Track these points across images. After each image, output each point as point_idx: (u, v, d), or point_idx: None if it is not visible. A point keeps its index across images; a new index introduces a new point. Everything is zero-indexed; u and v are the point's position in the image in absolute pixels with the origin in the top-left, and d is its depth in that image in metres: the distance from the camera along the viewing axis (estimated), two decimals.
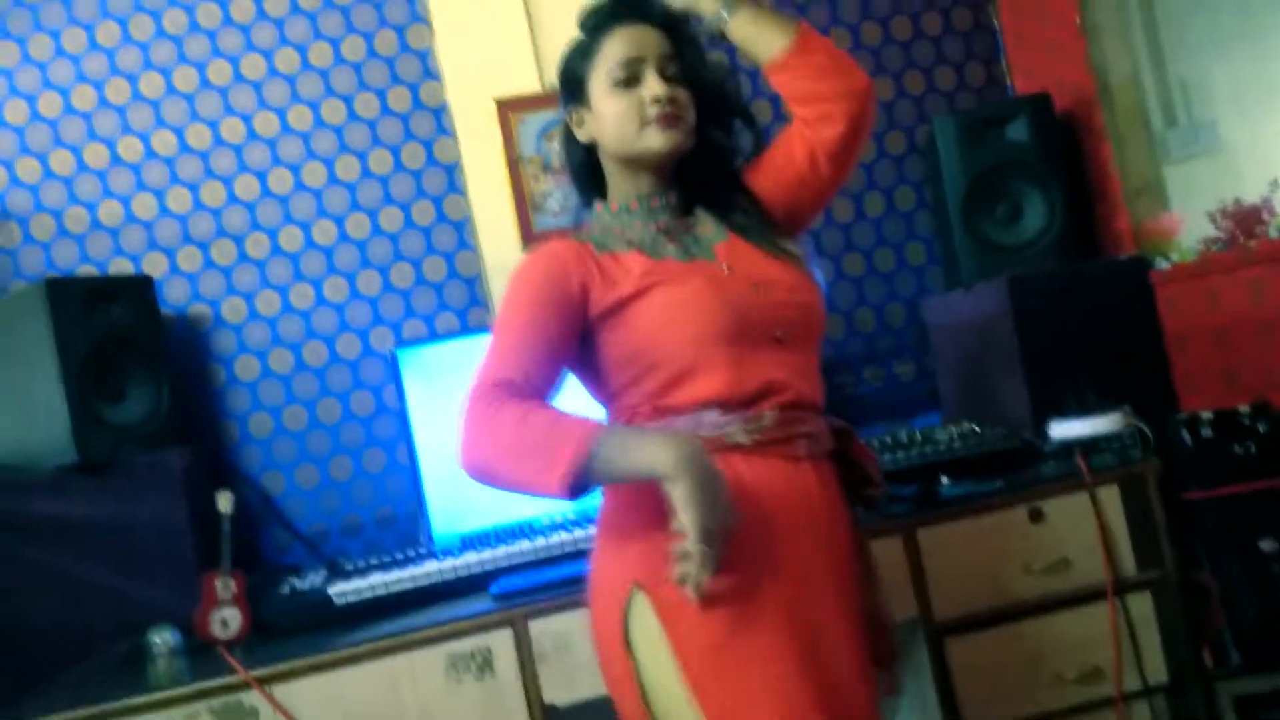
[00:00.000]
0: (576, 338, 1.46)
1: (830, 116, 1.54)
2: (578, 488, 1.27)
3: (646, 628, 1.38)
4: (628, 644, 1.39)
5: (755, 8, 1.59)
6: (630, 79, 1.49)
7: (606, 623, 1.43)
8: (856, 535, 1.54)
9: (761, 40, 1.56)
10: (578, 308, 1.45)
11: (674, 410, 1.43)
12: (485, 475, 1.34)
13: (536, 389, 1.39)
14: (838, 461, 1.54)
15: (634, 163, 1.54)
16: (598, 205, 1.60)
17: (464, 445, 1.34)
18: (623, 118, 1.50)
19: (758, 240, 1.54)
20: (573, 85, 1.56)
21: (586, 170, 1.61)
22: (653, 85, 1.48)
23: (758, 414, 1.42)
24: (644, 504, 1.35)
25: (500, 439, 1.30)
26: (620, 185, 1.58)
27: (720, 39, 1.60)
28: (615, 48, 1.50)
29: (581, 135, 1.58)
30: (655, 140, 1.49)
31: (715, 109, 1.58)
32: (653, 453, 1.26)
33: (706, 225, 1.56)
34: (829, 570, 1.43)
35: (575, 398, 1.49)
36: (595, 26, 1.54)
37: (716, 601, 1.31)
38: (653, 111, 1.48)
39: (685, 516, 1.23)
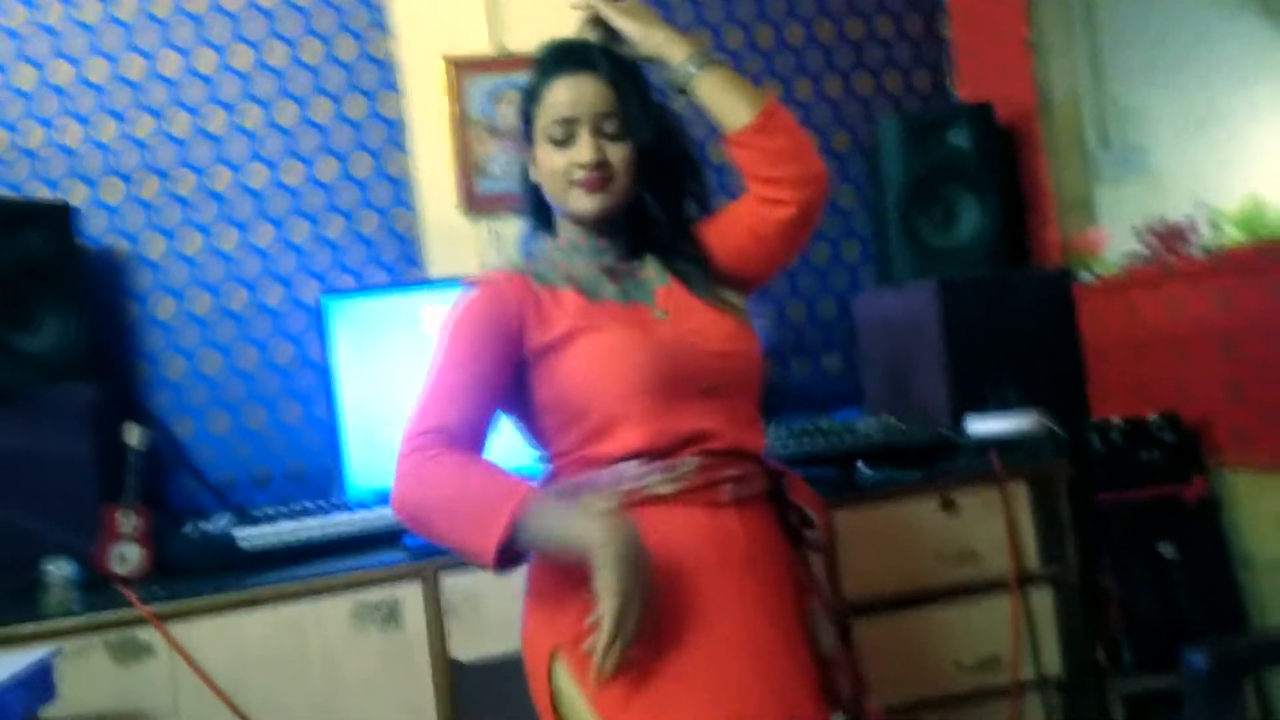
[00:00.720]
0: (512, 376, 1.45)
1: (782, 201, 1.52)
2: (507, 560, 1.28)
3: (570, 693, 1.37)
4: (556, 705, 1.39)
5: (726, 72, 1.55)
6: (565, 138, 1.47)
7: (536, 685, 1.43)
8: (799, 576, 1.50)
9: (726, 108, 1.53)
10: (515, 346, 1.44)
11: (598, 462, 1.42)
12: (417, 527, 1.35)
13: (473, 435, 1.38)
14: (777, 503, 1.52)
15: (568, 214, 1.54)
16: (547, 241, 1.58)
17: (397, 492, 1.33)
18: (553, 176, 1.49)
19: (698, 289, 1.53)
20: (525, 123, 1.55)
21: (535, 206, 1.60)
22: (582, 150, 1.46)
23: (678, 461, 1.40)
24: (566, 567, 1.33)
25: (434, 495, 1.31)
26: (565, 226, 1.56)
27: (681, 94, 1.57)
28: (554, 100, 1.48)
29: (532, 176, 1.56)
30: (579, 204, 1.49)
31: (659, 163, 1.55)
32: (580, 528, 1.26)
33: (650, 269, 1.55)
34: (760, 609, 1.38)
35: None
36: (543, 71, 1.52)
37: (633, 668, 1.29)
38: (578, 175, 1.47)
39: (603, 599, 1.23)
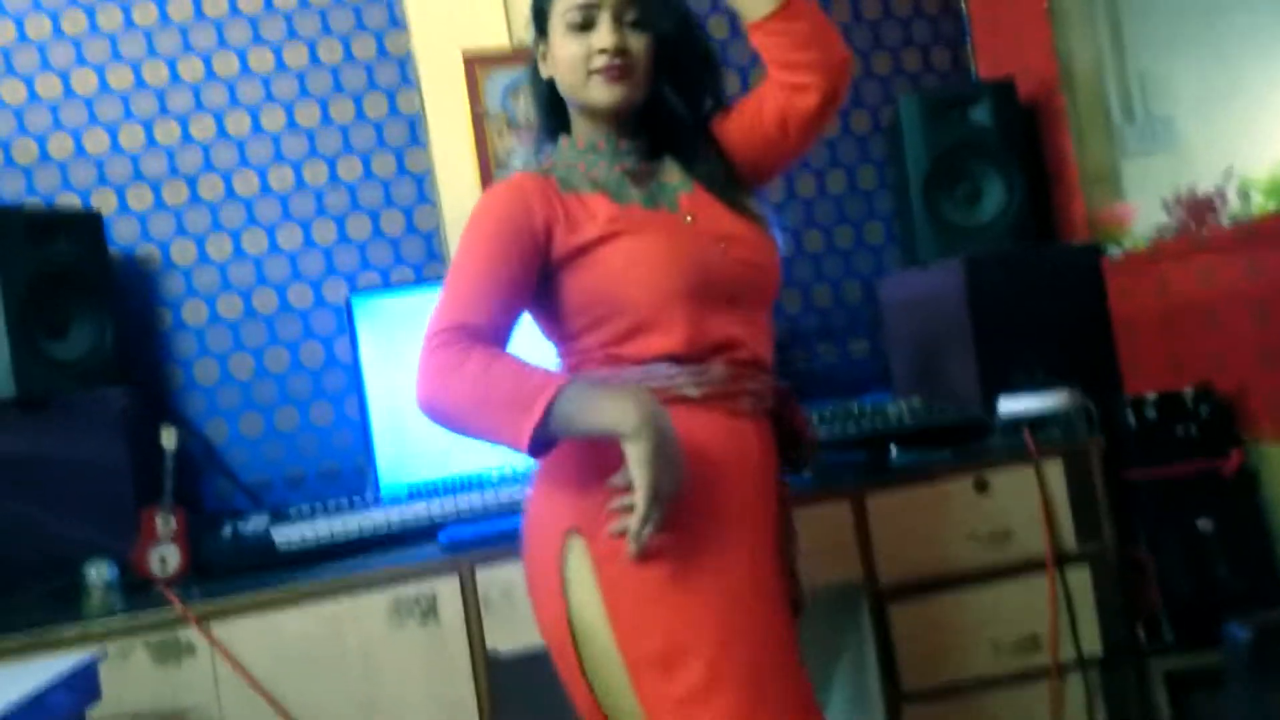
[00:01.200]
0: (536, 278, 1.45)
1: (805, 87, 1.52)
2: (542, 443, 1.29)
3: (581, 575, 1.38)
4: (563, 587, 1.39)
5: None
6: (585, 23, 1.46)
7: (542, 566, 1.43)
8: (782, 491, 1.55)
9: None
10: (540, 248, 1.44)
11: (626, 360, 1.43)
12: (446, 420, 1.35)
13: (497, 332, 1.38)
14: (774, 422, 1.55)
15: (585, 108, 1.52)
16: (563, 140, 1.58)
17: (426, 389, 1.34)
18: (571, 64, 1.47)
19: (721, 194, 1.53)
20: (539, 16, 1.53)
21: (550, 105, 1.59)
22: (603, 36, 1.45)
23: (706, 367, 1.43)
24: (584, 451, 1.37)
25: (465, 388, 1.31)
26: (582, 125, 1.55)
27: None
28: None
29: (544, 70, 1.56)
30: (599, 94, 1.48)
31: (677, 57, 1.54)
32: (615, 410, 1.27)
33: (672, 173, 1.55)
34: (763, 521, 1.45)
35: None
36: None
37: (653, 555, 1.32)
38: (599, 62, 1.45)
39: (638, 476, 1.26)
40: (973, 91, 2.64)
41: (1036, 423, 2.17)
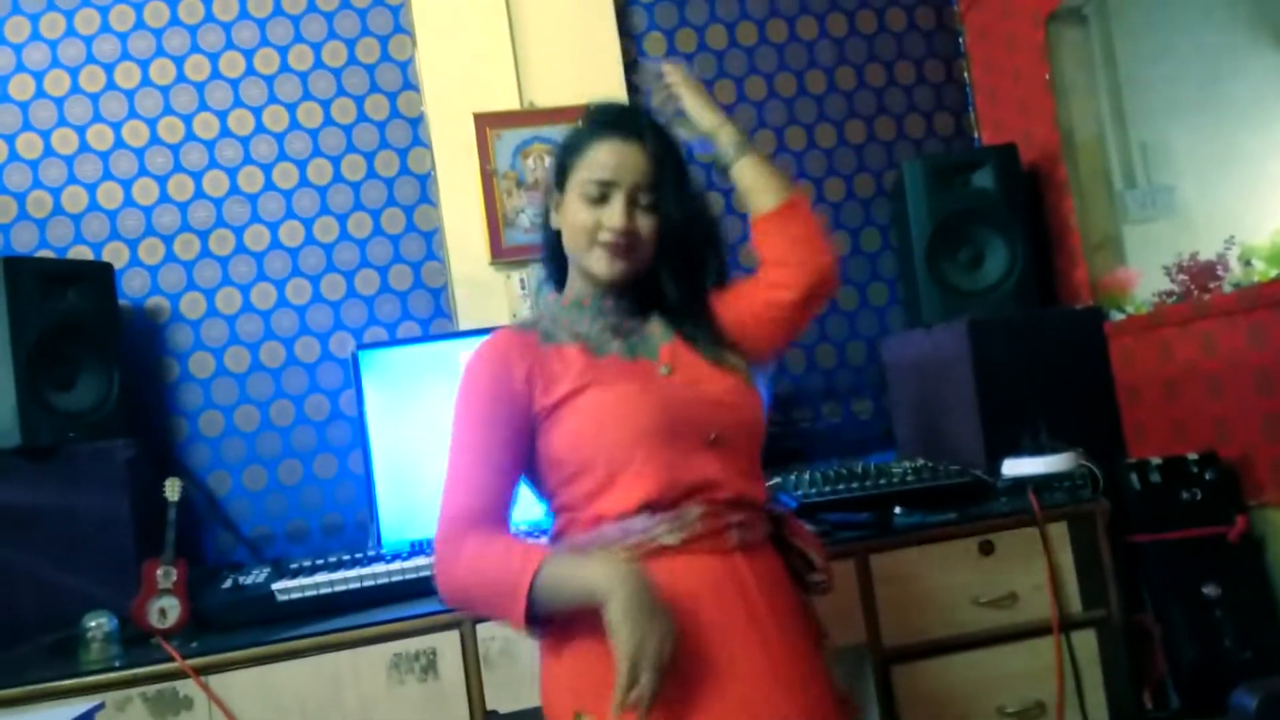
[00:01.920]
0: (528, 435, 1.47)
1: (787, 284, 1.59)
2: (539, 620, 1.35)
3: None
4: None
5: (762, 160, 1.64)
6: (600, 198, 1.49)
7: None
8: (807, 615, 1.51)
9: (756, 192, 1.63)
10: (525, 407, 1.46)
11: (606, 517, 1.42)
12: (461, 606, 1.59)
13: (496, 509, 1.44)
14: (780, 546, 1.53)
15: (585, 271, 1.55)
16: (550, 295, 1.62)
17: (439, 582, 1.42)
18: (579, 230, 1.50)
19: (702, 348, 1.54)
20: (559, 173, 1.57)
21: (553, 251, 1.62)
22: (614, 215, 1.48)
23: (682, 511, 1.41)
24: (581, 621, 1.35)
25: (464, 578, 1.39)
26: (576, 279, 1.58)
27: (720, 171, 1.66)
28: (597, 159, 1.50)
29: (554, 221, 1.59)
30: (599, 265, 1.50)
31: (683, 238, 1.56)
32: (587, 579, 1.31)
33: (655, 327, 1.57)
34: (780, 657, 1.39)
35: None
36: (590, 127, 1.54)
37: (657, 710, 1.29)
38: (605, 237, 1.49)
39: (615, 640, 1.26)
40: (976, 157, 2.68)
41: (1041, 485, 2.16)
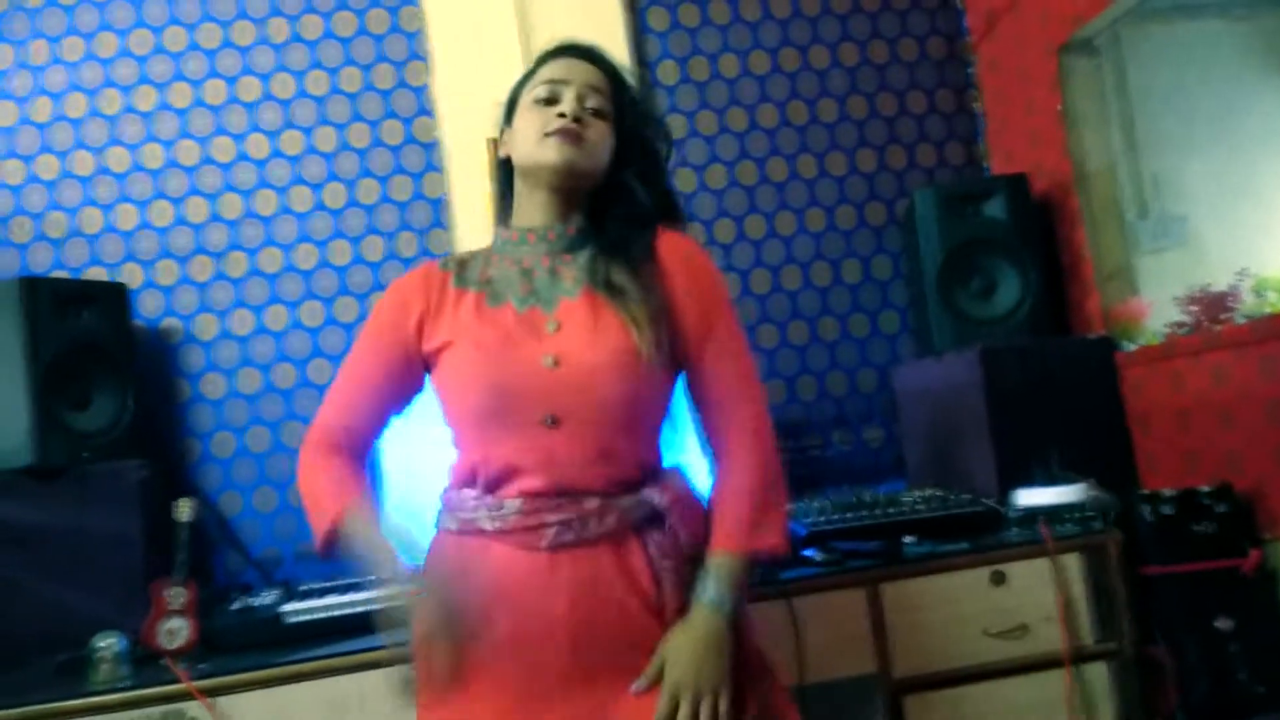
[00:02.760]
0: (418, 372, 1.53)
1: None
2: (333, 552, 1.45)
3: None
4: None
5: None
6: (550, 98, 1.51)
7: None
8: (646, 619, 1.41)
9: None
10: (413, 347, 1.52)
11: (455, 479, 1.49)
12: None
13: (355, 430, 1.53)
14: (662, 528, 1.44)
15: (533, 178, 1.51)
16: (499, 230, 1.58)
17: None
18: (530, 131, 1.50)
19: (613, 302, 1.46)
20: (508, 107, 1.60)
21: (504, 189, 1.61)
22: (565, 103, 1.50)
23: (502, 502, 1.41)
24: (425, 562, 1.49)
25: (300, 485, 1.51)
26: (524, 207, 1.55)
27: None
28: (548, 71, 1.54)
29: (501, 150, 1.60)
30: (549, 152, 1.47)
31: (633, 153, 1.56)
32: (374, 558, 1.42)
33: (572, 273, 1.50)
34: (577, 666, 1.37)
35: None
36: (541, 58, 1.59)
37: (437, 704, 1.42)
38: (555, 124, 1.48)
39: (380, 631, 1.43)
40: (987, 186, 2.68)
41: (1053, 514, 2.16)
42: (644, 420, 1.47)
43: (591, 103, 1.51)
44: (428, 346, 1.50)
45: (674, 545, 1.43)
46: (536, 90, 1.52)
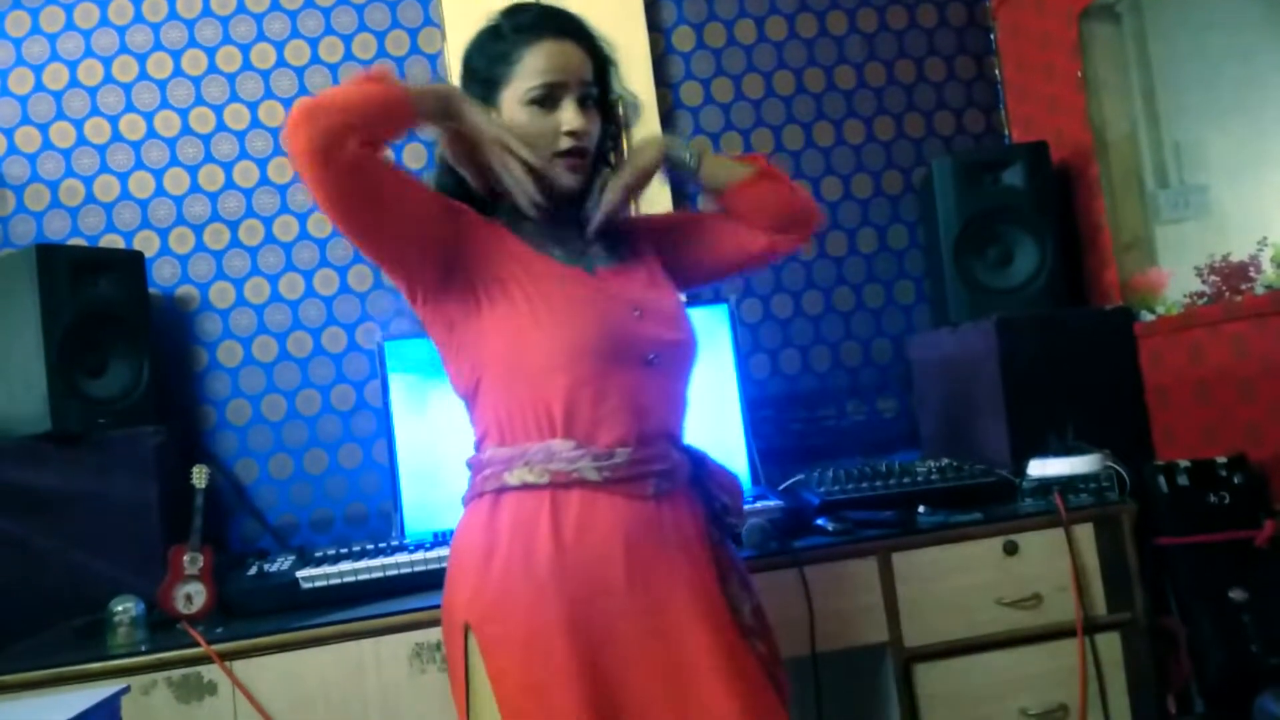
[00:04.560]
0: (433, 253, 1.40)
1: (789, 230, 1.63)
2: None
3: (476, 667, 1.40)
4: (466, 678, 1.41)
5: (720, 156, 1.64)
6: (548, 100, 1.44)
7: (451, 649, 1.45)
8: (719, 556, 1.49)
9: (729, 170, 1.61)
10: (450, 242, 1.41)
11: (532, 429, 1.41)
12: (324, 111, 1.26)
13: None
14: (700, 487, 1.53)
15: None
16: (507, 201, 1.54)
17: (301, 130, 1.24)
18: (534, 141, 1.44)
19: (638, 266, 1.55)
20: (484, 83, 1.48)
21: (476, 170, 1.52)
22: (570, 118, 1.44)
23: (609, 451, 1.40)
24: (475, 542, 1.41)
25: (335, 101, 1.27)
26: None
27: (686, 176, 1.62)
28: (539, 62, 1.44)
29: None
30: (563, 178, 1.47)
31: (607, 127, 1.57)
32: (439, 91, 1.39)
33: (596, 247, 1.54)
34: (685, 608, 1.39)
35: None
36: (521, 30, 1.46)
37: (537, 642, 1.34)
38: (565, 144, 1.45)
39: (478, 128, 1.39)
40: (1006, 155, 2.65)
41: (1067, 486, 2.15)
42: (692, 377, 1.56)
43: (585, 98, 1.48)
44: (483, 271, 1.41)
45: (708, 504, 1.53)
46: (531, 87, 1.43)
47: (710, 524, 1.51)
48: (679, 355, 1.50)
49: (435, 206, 1.41)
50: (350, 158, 1.26)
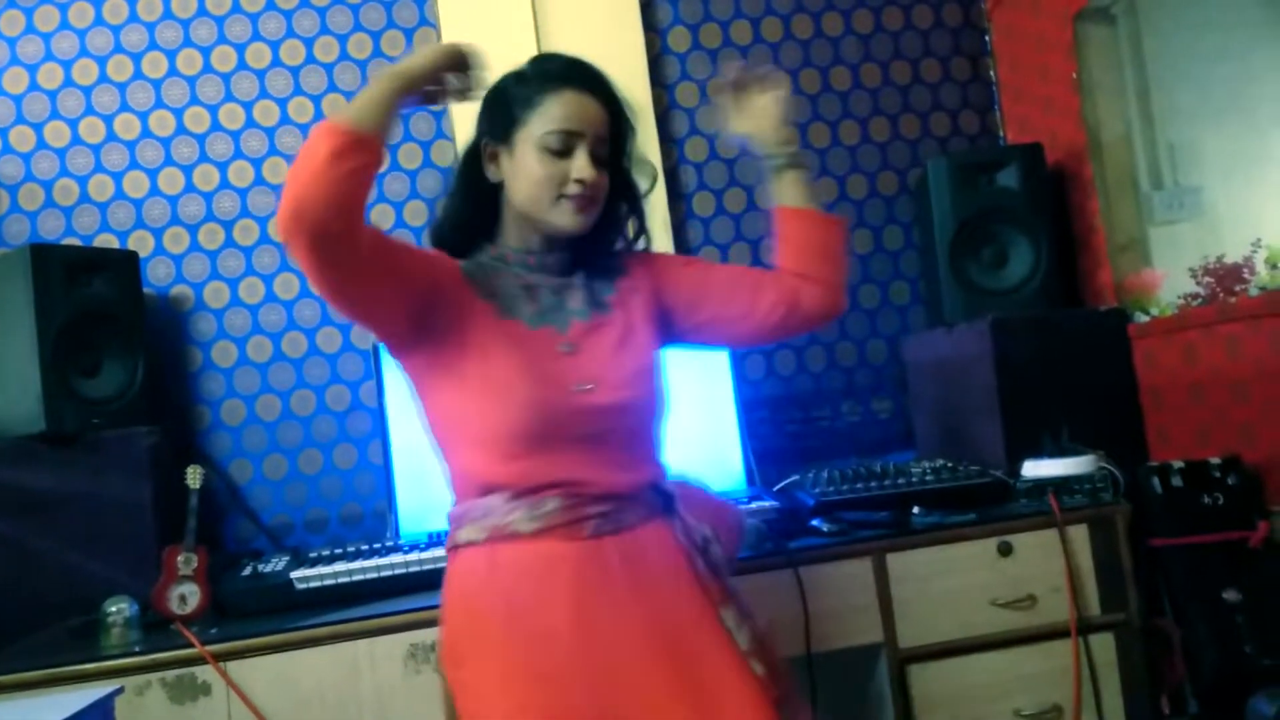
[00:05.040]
0: (411, 303, 1.42)
1: (822, 283, 1.61)
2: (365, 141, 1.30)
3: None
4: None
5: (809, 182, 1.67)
6: (563, 150, 1.46)
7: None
8: (705, 588, 1.47)
9: (798, 198, 1.64)
10: (429, 295, 1.44)
11: (473, 486, 1.45)
12: (305, 209, 1.26)
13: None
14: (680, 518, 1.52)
15: (532, 223, 1.51)
16: (492, 249, 1.55)
17: (291, 206, 1.27)
18: (542, 184, 1.46)
19: (618, 325, 1.54)
20: (502, 121, 1.50)
21: (480, 205, 1.56)
22: (582, 166, 1.46)
23: (540, 499, 1.41)
24: (446, 592, 1.47)
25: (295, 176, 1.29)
26: (512, 233, 1.54)
27: (763, 163, 1.65)
28: (558, 110, 1.46)
29: (490, 173, 1.53)
30: (565, 219, 1.48)
31: (622, 193, 1.59)
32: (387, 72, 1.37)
33: (576, 298, 1.54)
34: (637, 645, 1.39)
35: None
36: (547, 76, 1.49)
37: (490, 691, 1.37)
38: (573, 190, 1.46)
39: (419, 57, 1.40)
40: (1001, 156, 2.66)
41: (1061, 487, 2.15)
42: (659, 430, 1.55)
43: (599, 153, 1.49)
44: (446, 334, 1.44)
45: (687, 531, 1.51)
46: (547, 135, 1.45)
47: (695, 554, 1.49)
48: (632, 422, 1.50)
49: (420, 270, 1.44)
50: (345, 253, 1.29)
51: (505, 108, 1.49)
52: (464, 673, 1.41)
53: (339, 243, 1.28)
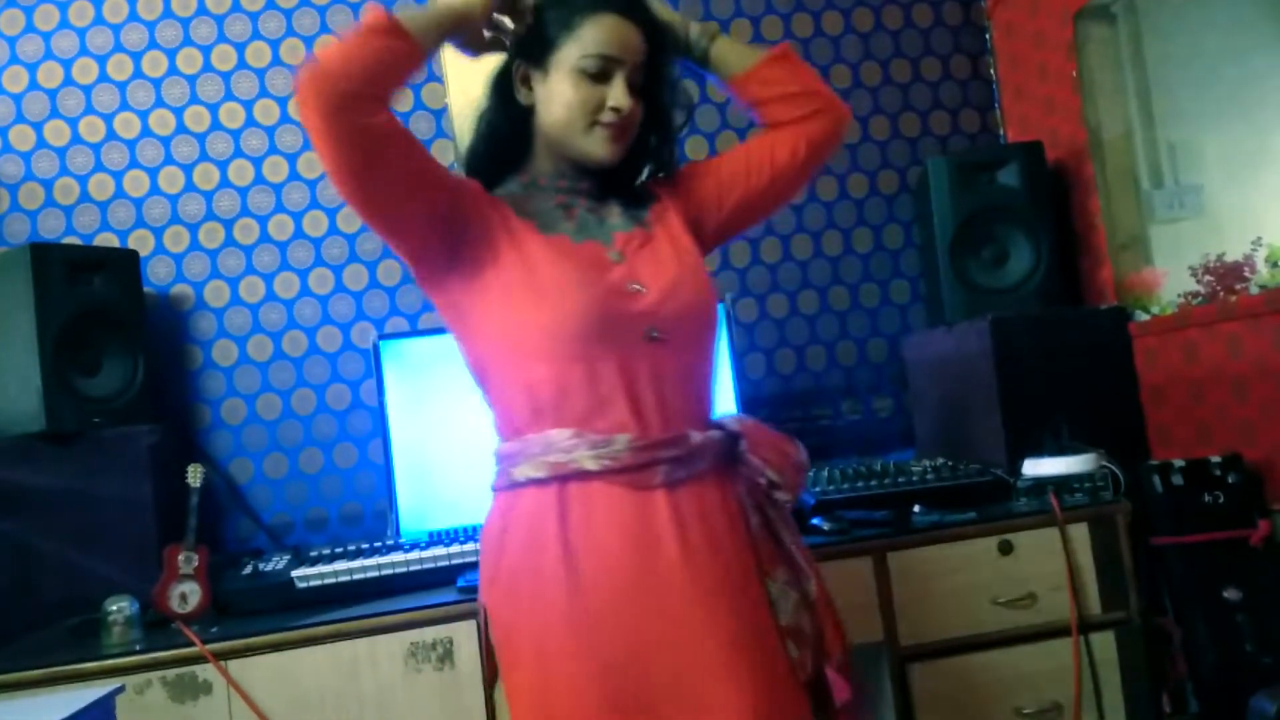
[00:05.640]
0: (433, 203, 1.38)
1: (817, 113, 1.55)
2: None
3: (497, 643, 1.42)
4: (493, 649, 1.44)
5: (735, 39, 1.62)
6: (600, 74, 1.42)
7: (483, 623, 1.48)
8: (758, 549, 1.43)
9: (739, 62, 1.57)
10: (456, 218, 1.40)
11: (528, 419, 1.39)
12: (331, 79, 1.24)
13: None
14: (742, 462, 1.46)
15: (562, 148, 1.48)
16: (522, 176, 1.52)
17: (313, 84, 1.24)
18: (576, 108, 1.43)
19: (661, 236, 1.50)
20: (537, 43, 1.45)
21: (515, 131, 1.51)
22: (619, 94, 1.43)
23: (606, 438, 1.35)
24: (493, 532, 1.42)
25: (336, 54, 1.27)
26: (542, 160, 1.51)
27: (695, 61, 1.59)
28: (597, 35, 1.42)
29: (522, 96, 1.48)
30: (599, 148, 1.45)
31: (656, 121, 1.55)
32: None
33: (614, 213, 1.52)
34: (700, 606, 1.34)
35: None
36: (584, 2, 1.45)
37: (546, 640, 1.33)
38: (608, 117, 1.43)
39: None
40: (1001, 154, 2.65)
41: (1062, 486, 2.15)
42: (715, 347, 1.50)
43: (635, 80, 1.46)
44: (481, 251, 1.39)
45: (754, 483, 1.45)
46: (584, 59, 1.41)
47: (750, 510, 1.44)
48: (690, 326, 1.44)
49: (443, 175, 1.40)
50: (361, 125, 1.25)
51: (540, 29, 1.45)
52: (510, 619, 1.37)
53: (359, 112, 1.24)
